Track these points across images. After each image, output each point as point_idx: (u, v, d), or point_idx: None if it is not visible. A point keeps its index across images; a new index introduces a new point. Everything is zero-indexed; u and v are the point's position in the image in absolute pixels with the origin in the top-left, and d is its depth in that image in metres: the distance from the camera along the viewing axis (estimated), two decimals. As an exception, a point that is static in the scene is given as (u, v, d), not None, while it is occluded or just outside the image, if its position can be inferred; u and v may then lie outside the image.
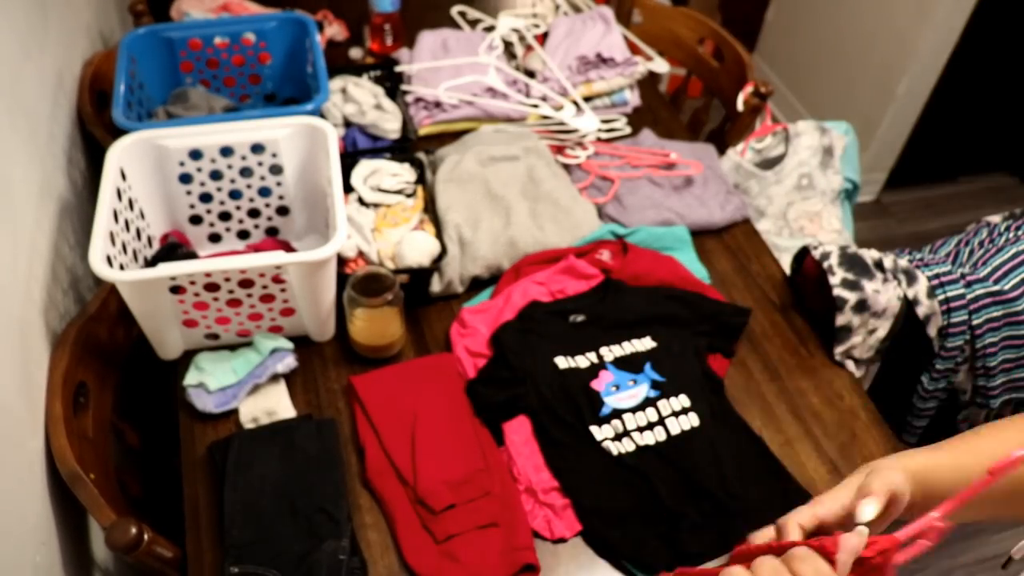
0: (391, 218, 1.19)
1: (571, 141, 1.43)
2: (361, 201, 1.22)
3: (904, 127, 2.43)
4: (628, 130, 1.50)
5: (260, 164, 1.15)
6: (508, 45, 1.63)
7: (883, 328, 1.15)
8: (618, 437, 0.98)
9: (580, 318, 1.11)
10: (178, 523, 0.92)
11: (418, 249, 1.12)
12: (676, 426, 0.98)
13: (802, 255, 1.24)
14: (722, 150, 1.52)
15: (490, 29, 1.66)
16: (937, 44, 2.21)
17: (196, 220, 1.19)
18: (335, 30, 1.65)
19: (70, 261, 1.11)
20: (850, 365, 1.14)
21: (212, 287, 0.97)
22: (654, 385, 1.03)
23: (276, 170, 1.16)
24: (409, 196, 1.23)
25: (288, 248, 1.20)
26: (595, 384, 1.02)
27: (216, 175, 1.15)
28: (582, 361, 1.06)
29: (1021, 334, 1.17)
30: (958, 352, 1.18)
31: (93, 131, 1.28)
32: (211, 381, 1.01)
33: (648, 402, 1.00)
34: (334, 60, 1.54)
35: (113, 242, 0.96)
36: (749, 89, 1.51)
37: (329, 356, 1.10)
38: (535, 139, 1.37)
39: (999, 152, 2.68)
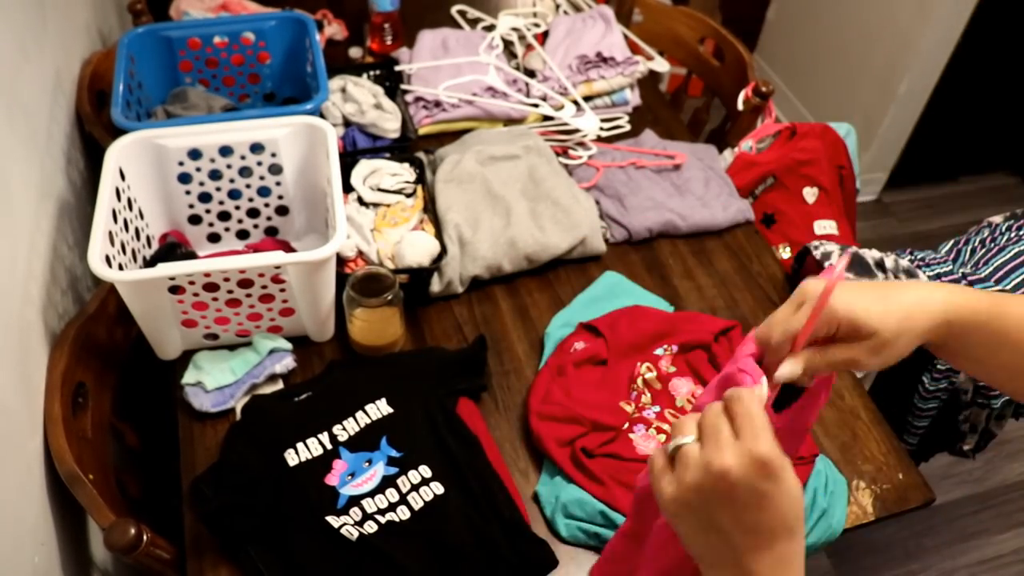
0: (391, 218, 1.18)
1: (572, 141, 1.43)
2: (361, 201, 1.21)
3: (905, 126, 2.43)
4: (629, 127, 1.50)
5: (259, 164, 1.15)
6: (508, 44, 1.62)
7: (884, 328, 1.14)
8: (358, 523, 0.90)
9: (306, 395, 1.02)
10: (177, 523, 0.92)
11: (418, 249, 1.12)
12: (419, 499, 0.92)
13: (803, 255, 1.23)
14: (723, 150, 1.52)
15: (490, 28, 1.66)
16: (938, 43, 2.20)
17: (195, 220, 1.18)
18: (334, 29, 1.65)
19: (69, 261, 1.11)
20: (851, 365, 1.14)
21: (211, 287, 0.96)
22: (391, 462, 0.95)
23: (275, 170, 1.16)
24: (409, 196, 1.22)
25: (287, 248, 1.19)
26: (329, 479, 0.94)
27: (215, 175, 1.14)
28: (315, 447, 0.96)
29: (1023, 334, 1.16)
30: (959, 352, 1.18)
31: (92, 131, 1.27)
32: (208, 380, 1.01)
33: (386, 482, 0.94)
34: (334, 59, 1.54)
35: (112, 242, 0.96)
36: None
37: (328, 357, 1.09)
38: (536, 138, 1.37)
39: (1000, 151, 2.67)
